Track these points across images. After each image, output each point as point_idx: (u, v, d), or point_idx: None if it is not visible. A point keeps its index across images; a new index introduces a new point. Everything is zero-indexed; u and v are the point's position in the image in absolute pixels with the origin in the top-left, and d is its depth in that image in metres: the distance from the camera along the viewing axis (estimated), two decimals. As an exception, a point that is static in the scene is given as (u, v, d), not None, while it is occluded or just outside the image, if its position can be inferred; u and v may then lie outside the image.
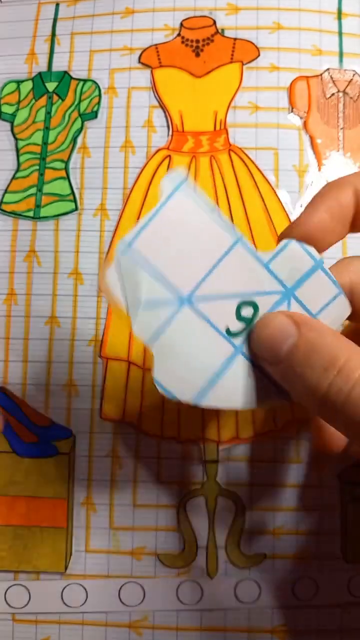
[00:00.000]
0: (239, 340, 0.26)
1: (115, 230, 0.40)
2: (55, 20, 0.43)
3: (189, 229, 0.25)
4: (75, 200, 0.40)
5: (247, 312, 0.26)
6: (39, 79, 0.42)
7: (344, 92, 0.41)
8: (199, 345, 0.25)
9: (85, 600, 0.37)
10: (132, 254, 0.24)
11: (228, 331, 0.26)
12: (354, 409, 0.22)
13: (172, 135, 0.41)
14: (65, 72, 0.42)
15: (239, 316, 0.26)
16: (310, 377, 0.23)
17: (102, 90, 0.42)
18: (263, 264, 0.26)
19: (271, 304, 0.26)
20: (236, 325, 0.26)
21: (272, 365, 0.25)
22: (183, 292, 0.25)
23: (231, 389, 0.26)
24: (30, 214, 0.41)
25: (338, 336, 0.24)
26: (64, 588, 0.37)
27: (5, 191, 0.41)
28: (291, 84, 0.41)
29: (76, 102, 0.42)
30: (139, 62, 0.42)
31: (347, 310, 0.27)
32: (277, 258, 0.26)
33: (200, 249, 0.25)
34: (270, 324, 0.25)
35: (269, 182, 0.40)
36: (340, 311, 0.27)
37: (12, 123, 0.42)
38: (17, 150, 0.41)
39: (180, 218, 0.25)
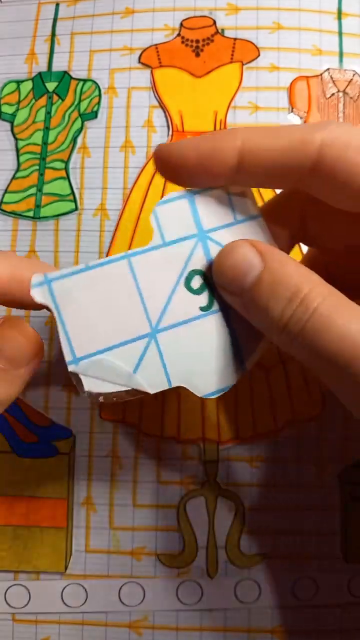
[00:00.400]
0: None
1: (115, 230, 0.40)
2: (55, 20, 0.43)
3: (94, 300, 0.26)
4: (75, 200, 0.40)
5: (196, 282, 0.26)
6: (39, 79, 0.42)
7: (344, 92, 0.41)
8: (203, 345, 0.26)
9: (85, 600, 0.37)
10: (84, 363, 0.25)
11: (203, 308, 0.26)
12: (309, 337, 0.22)
13: (172, 135, 0.41)
14: (65, 72, 0.42)
15: (195, 291, 0.26)
16: (274, 308, 0.23)
17: (102, 90, 0.42)
18: (163, 243, 0.26)
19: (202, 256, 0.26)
20: (202, 300, 0.26)
21: (234, 296, 0.25)
22: (147, 333, 0.26)
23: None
24: (30, 214, 0.41)
25: (299, 265, 0.24)
26: (64, 588, 0.37)
27: (5, 191, 0.41)
28: (291, 84, 0.41)
29: (76, 102, 0.42)
30: (139, 62, 0.42)
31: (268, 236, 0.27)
32: (169, 222, 0.26)
33: (119, 300, 0.26)
34: (233, 253, 0.25)
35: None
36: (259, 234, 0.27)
37: (12, 123, 0.42)
38: (17, 150, 0.41)
39: (79, 303, 0.25)
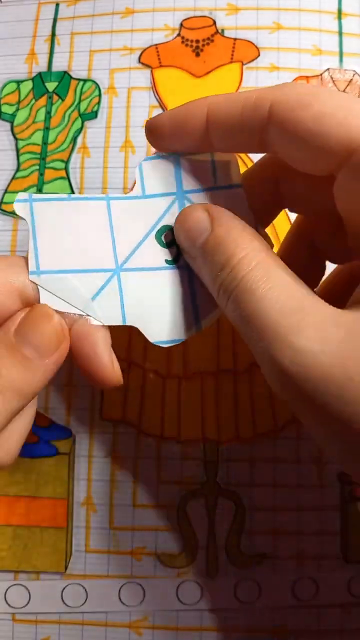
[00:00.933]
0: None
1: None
2: (55, 20, 0.43)
3: (68, 226, 0.27)
4: (75, 200, 0.40)
5: (167, 237, 0.27)
6: (39, 79, 0.42)
7: (344, 92, 0.41)
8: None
9: (85, 600, 0.37)
10: (46, 277, 0.26)
11: (169, 261, 0.27)
12: (235, 304, 0.23)
13: (172, 135, 0.41)
14: (65, 72, 0.42)
15: (164, 244, 0.27)
16: (210, 273, 0.24)
17: (102, 90, 0.42)
18: (142, 195, 0.27)
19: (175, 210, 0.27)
20: (169, 254, 0.27)
21: (190, 259, 0.26)
22: (112, 269, 0.27)
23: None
24: (30, 214, 0.40)
25: (246, 231, 0.24)
26: (64, 588, 0.37)
27: (5, 191, 0.41)
28: (291, 84, 0.41)
29: (76, 102, 0.42)
30: (139, 62, 0.42)
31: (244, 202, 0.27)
32: (149, 181, 0.28)
33: (91, 232, 0.27)
34: (188, 217, 0.26)
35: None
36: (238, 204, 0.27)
37: (12, 123, 0.42)
38: (17, 150, 0.41)
39: (54, 224, 0.27)
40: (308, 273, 0.28)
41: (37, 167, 0.41)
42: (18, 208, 0.27)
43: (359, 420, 0.20)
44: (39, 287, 0.26)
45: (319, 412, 0.21)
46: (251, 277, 0.23)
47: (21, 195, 0.27)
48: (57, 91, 0.42)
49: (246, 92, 0.25)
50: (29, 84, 0.42)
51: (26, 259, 0.26)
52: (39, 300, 0.26)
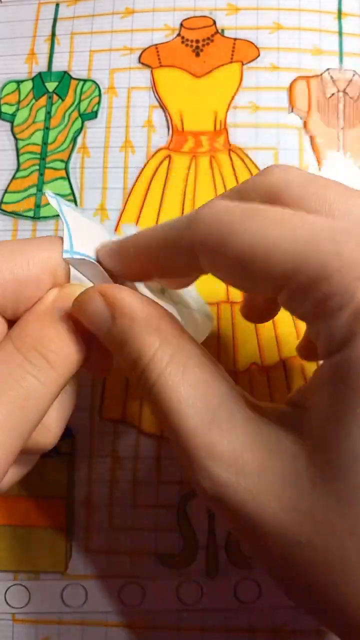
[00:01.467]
0: None
1: (115, 230, 0.40)
2: (55, 20, 0.43)
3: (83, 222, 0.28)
4: (75, 200, 0.40)
5: None
6: (39, 79, 0.42)
7: (344, 92, 0.41)
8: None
9: (85, 600, 0.37)
10: (77, 258, 0.26)
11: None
12: (154, 407, 0.22)
13: (172, 135, 0.41)
14: (65, 72, 0.42)
15: None
16: (124, 367, 0.23)
17: (102, 90, 0.42)
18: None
19: None
20: None
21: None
22: None
23: None
24: (30, 214, 0.41)
25: (150, 319, 0.23)
26: (64, 588, 0.37)
27: (5, 191, 0.41)
28: (291, 84, 0.41)
29: (76, 102, 0.42)
30: (139, 62, 0.42)
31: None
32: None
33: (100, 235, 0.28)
34: (86, 307, 0.24)
35: (269, 182, 0.40)
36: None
37: (12, 123, 0.42)
38: (17, 150, 0.41)
39: (74, 218, 0.27)
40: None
41: (37, 167, 0.41)
42: (50, 199, 0.27)
43: (277, 552, 0.20)
44: (70, 266, 0.26)
45: (242, 534, 0.21)
46: (164, 380, 0.21)
47: (50, 193, 0.27)
48: (57, 91, 0.42)
49: (171, 229, 0.23)
50: (29, 84, 0.42)
51: (62, 240, 0.26)
52: (70, 279, 0.26)
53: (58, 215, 0.40)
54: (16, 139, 0.42)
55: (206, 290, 0.39)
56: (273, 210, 0.21)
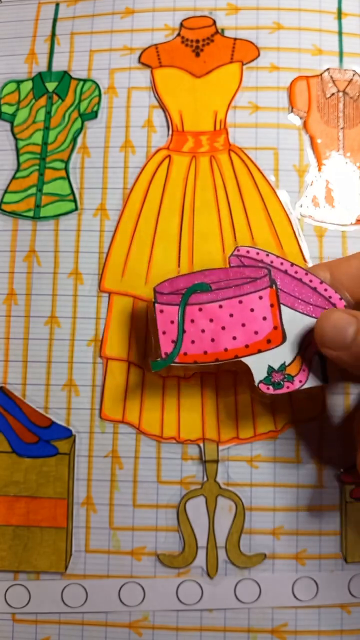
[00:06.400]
0: None
1: (116, 230, 0.40)
2: (55, 20, 0.43)
3: None
4: (75, 200, 0.40)
5: None
6: (39, 79, 0.42)
7: (344, 92, 0.41)
8: None
9: (85, 600, 0.37)
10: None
11: None
12: None
13: (172, 135, 0.41)
14: (65, 72, 0.42)
15: None
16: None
17: (102, 90, 0.42)
18: None
19: None
20: None
21: (340, 351, 0.30)
22: None
23: None
24: (30, 214, 0.41)
25: None
26: (64, 588, 0.37)
27: (5, 191, 0.41)
28: (291, 83, 0.41)
29: (76, 102, 0.42)
30: (139, 62, 0.42)
31: None
32: None
33: None
34: (330, 317, 0.30)
35: (268, 182, 0.40)
36: None
37: (12, 123, 0.42)
38: (17, 150, 0.41)
39: None
40: None
41: (37, 167, 0.41)
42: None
43: None
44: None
45: None
46: None
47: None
48: (57, 91, 0.42)
49: None
50: (29, 84, 0.42)
51: None
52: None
53: (58, 215, 0.40)
54: (16, 139, 0.42)
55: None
56: None
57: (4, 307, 0.40)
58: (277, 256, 0.34)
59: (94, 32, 0.43)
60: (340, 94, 0.41)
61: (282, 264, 0.33)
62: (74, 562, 0.37)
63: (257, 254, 0.34)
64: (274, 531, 0.37)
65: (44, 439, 0.38)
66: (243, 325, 0.32)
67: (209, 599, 0.37)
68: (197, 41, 0.42)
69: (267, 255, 0.34)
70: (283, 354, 0.33)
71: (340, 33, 0.42)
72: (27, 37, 0.43)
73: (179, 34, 0.42)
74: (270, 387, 0.33)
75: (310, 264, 0.39)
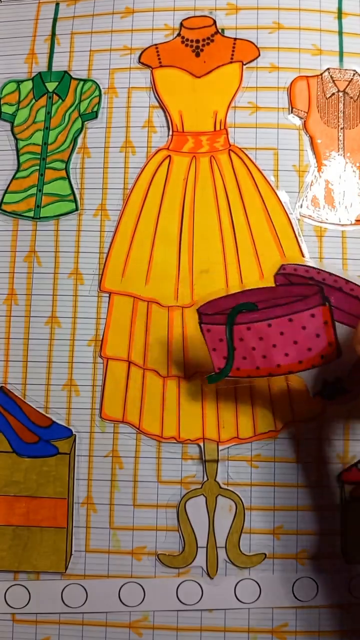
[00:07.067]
0: None
1: (116, 230, 0.40)
2: (55, 19, 0.43)
3: None
4: (75, 201, 0.40)
5: None
6: (39, 79, 0.42)
7: (344, 92, 0.41)
8: None
9: (85, 600, 0.37)
10: None
11: None
12: None
13: (172, 136, 0.41)
14: (65, 72, 0.42)
15: None
16: None
17: (102, 90, 0.42)
18: None
19: None
20: None
21: None
22: None
23: None
24: (31, 214, 0.41)
25: None
26: (64, 588, 0.37)
27: (6, 191, 0.41)
28: (291, 83, 0.41)
29: (76, 102, 0.42)
30: (139, 62, 0.42)
31: None
32: None
33: None
34: None
35: (268, 183, 0.40)
36: None
37: (12, 123, 0.42)
38: (17, 150, 0.41)
39: None
40: None
41: (37, 167, 0.41)
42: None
43: None
44: None
45: None
46: None
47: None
48: (57, 91, 0.42)
49: None
50: (29, 84, 0.42)
51: None
52: None
53: (58, 215, 0.40)
54: (16, 139, 0.42)
55: (207, 290, 0.39)
56: None
57: (4, 307, 0.40)
58: (330, 274, 0.33)
59: (94, 32, 0.43)
60: (341, 94, 0.41)
61: (335, 281, 0.33)
62: (74, 562, 0.37)
63: (307, 271, 0.34)
64: (274, 531, 0.37)
65: (44, 438, 0.38)
66: (295, 342, 0.32)
67: (209, 599, 0.37)
68: (197, 41, 0.42)
69: (319, 272, 0.34)
70: (337, 368, 0.32)
71: (340, 33, 0.42)
72: (27, 37, 0.43)
73: (179, 34, 0.42)
74: (326, 398, 0.33)
75: (310, 264, 0.39)
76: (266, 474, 0.38)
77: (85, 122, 0.42)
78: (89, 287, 0.39)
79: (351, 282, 0.33)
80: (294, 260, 0.38)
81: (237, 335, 0.32)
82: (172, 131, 0.41)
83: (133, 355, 0.39)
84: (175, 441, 0.38)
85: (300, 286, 0.33)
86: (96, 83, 0.42)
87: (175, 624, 0.37)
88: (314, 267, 0.34)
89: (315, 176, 0.40)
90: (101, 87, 0.42)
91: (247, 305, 0.32)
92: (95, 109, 0.42)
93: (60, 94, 0.42)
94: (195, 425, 0.38)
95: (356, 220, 0.40)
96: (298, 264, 0.34)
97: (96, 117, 0.42)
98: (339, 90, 0.41)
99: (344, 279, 0.33)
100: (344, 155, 0.40)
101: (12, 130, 0.42)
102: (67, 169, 0.41)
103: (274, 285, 0.35)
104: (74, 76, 0.42)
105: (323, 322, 0.32)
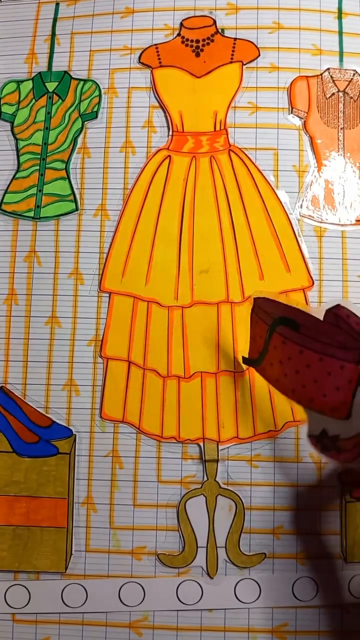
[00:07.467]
0: None
1: (116, 230, 0.40)
2: (55, 19, 0.43)
3: None
4: (75, 201, 0.40)
5: None
6: (39, 79, 0.42)
7: (344, 92, 0.41)
8: None
9: (85, 600, 0.37)
10: None
11: None
12: None
13: (172, 136, 0.41)
14: (65, 72, 0.42)
15: None
16: None
17: (102, 90, 0.42)
18: None
19: None
20: None
21: None
22: None
23: None
24: (31, 214, 0.41)
25: None
26: (64, 588, 0.37)
27: (6, 191, 0.41)
28: (291, 83, 0.41)
29: (76, 102, 0.42)
30: (139, 62, 0.42)
31: None
32: None
33: None
34: None
35: (268, 183, 0.40)
36: None
37: (12, 123, 0.42)
38: (18, 150, 0.41)
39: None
40: None
41: (38, 167, 0.41)
42: None
43: None
44: None
45: None
46: None
47: None
48: (57, 91, 0.42)
49: None
50: (29, 84, 0.42)
51: None
52: None
53: (58, 215, 0.40)
54: (16, 139, 0.42)
55: (207, 290, 0.39)
56: None
57: (4, 307, 0.40)
58: None
59: (94, 32, 0.43)
60: (341, 94, 0.41)
61: None
62: (74, 562, 0.37)
63: (358, 323, 0.32)
64: (274, 531, 0.37)
65: (45, 438, 0.38)
66: (315, 381, 0.31)
67: (209, 599, 0.37)
68: (197, 41, 0.42)
69: None
70: (341, 427, 0.31)
71: (340, 33, 0.42)
72: (27, 37, 0.43)
73: (179, 34, 0.42)
74: (318, 446, 0.32)
75: (310, 264, 0.39)
76: (266, 474, 0.38)
77: (85, 122, 0.42)
78: (89, 287, 0.40)
79: None
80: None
81: (273, 343, 0.32)
82: (172, 131, 0.41)
83: (133, 355, 0.39)
84: (175, 441, 0.38)
85: (345, 335, 0.32)
86: (96, 83, 0.42)
87: (175, 624, 0.37)
88: None
89: (315, 176, 0.40)
90: (101, 87, 0.42)
91: (291, 322, 0.32)
92: (95, 109, 0.42)
93: (60, 94, 0.42)
94: (195, 425, 0.38)
95: (356, 220, 0.40)
96: (353, 312, 0.32)
97: (96, 117, 0.42)
98: (339, 90, 0.41)
99: None
100: (344, 156, 0.40)
101: (12, 130, 0.42)
102: (67, 169, 0.41)
103: (306, 307, 0.36)
104: (74, 76, 0.42)
105: (349, 379, 0.30)
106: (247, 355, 0.36)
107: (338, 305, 0.33)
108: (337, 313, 0.33)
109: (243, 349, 0.37)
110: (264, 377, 0.34)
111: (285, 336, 0.32)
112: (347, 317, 0.32)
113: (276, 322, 0.32)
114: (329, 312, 0.33)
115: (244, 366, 0.38)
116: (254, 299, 0.35)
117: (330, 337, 0.31)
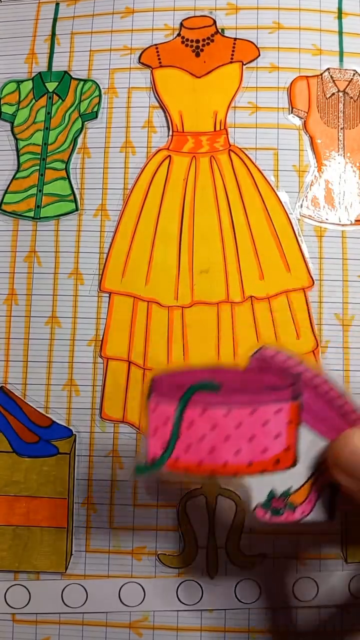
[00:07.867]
0: None
1: (116, 230, 0.40)
2: (55, 19, 0.43)
3: None
4: (75, 201, 0.40)
5: None
6: (39, 79, 0.42)
7: (344, 92, 0.41)
8: None
9: (85, 600, 0.37)
10: None
11: None
12: None
13: (172, 136, 0.41)
14: (65, 72, 0.42)
15: None
16: None
17: (102, 91, 0.42)
18: None
19: None
20: None
21: (355, 478, 0.26)
22: None
23: None
24: (31, 214, 0.41)
25: None
26: (64, 588, 0.37)
27: (6, 191, 0.41)
28: (291, 83, 0.41)
29: (76, 102, 0.42)
30: (139, 62, 0.42)
31: None
32: None
33: None
34: (352, 438, 0.26)
35: (268, 183, 0.40)
36: None
37: (12, 123, 0.42)
38: (17, 150, 0.41)
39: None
40: None
41: (38, 167, 0.41)
42: None
43: None
44: None
45: None
46: None
47: None
48: (57, 91, 0.42)
49: None
50: (29, 84, 0.42)
51: None
52: None
53: (58, 216, 0.40)
54: (16, 139, 0.42)
55: (207, 290, 0.39)
56: None
57: (4, 308, 0.40)
58: (310, 368, 0.29)
59: (94, 32, 0.43)
60: (341, 94, 0.41)
61: (314, 378, 0.28)
62: (74, 562, 0.37)
63: (285, 360, 0.29)
64: (274, 531, 0.37)
65: (45, 438, 0.38)
66: (250, 439, 0.27)
67: (209, 599, 0.37)
68: (197, 41, 0.42)
69: (299, 364, 0.29)
70: (290, 479, 0.28)
71: (340, 33, 0.42)
72: (27, 37, 0.43)
73: (179, 34, 0.42)
74: (268, 514, 0.28)
75: (310, 264, 0.39)
76: (266, 474, 0.38)
77: (85, 122, 0.42)
78: (89, 287, 0.40)
79: (330, 382, 0.29)
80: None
81: (188, 418, 0.27)
82: (172, 131, 0.41)
83: (133, 355, 0.39)
84: (175, 441, 0.38)
85: (273, 375, 0.28)
86: (96, 83, 0.42)
87: (175, 624, 0.37)
88: (295, 356, 0.29)
89: (315, 176, 0.40)
90: (101, 87, 0.42)
91: (209, 385, 0.27)
92: (95, 109, 0.42)
93: (60, 94, 0.42)
94: (195, 425, 0.38)
95: (356, 220, 0.40)
96: (278, 350, 0.29)
97: (96, 117, 0.42)
98: (339, 90, 0.41)
99: (325, 378, 0.29)
100: (344, 155, 0.40)
101: (12, 130, 0.42)
102: (67, 169, 0.41)
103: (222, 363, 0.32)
104: (74, 76, 0.42)
105: (287, 421, 0.27)
106: (140, 463, 0.28)
107: (261, 348, 0.30)
108: (261, 356, 0.30)
109: (243, 349, 0.37)
110: (177, 472, 0.27)
111: (205, 402, 0.27)
112: (273, 358, 0.29)
113: (190, 391, 0.27)
114: (252, 357, 0.30)
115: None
116: (152, 379, 0.28)
117: (258, 383, 0.28)
